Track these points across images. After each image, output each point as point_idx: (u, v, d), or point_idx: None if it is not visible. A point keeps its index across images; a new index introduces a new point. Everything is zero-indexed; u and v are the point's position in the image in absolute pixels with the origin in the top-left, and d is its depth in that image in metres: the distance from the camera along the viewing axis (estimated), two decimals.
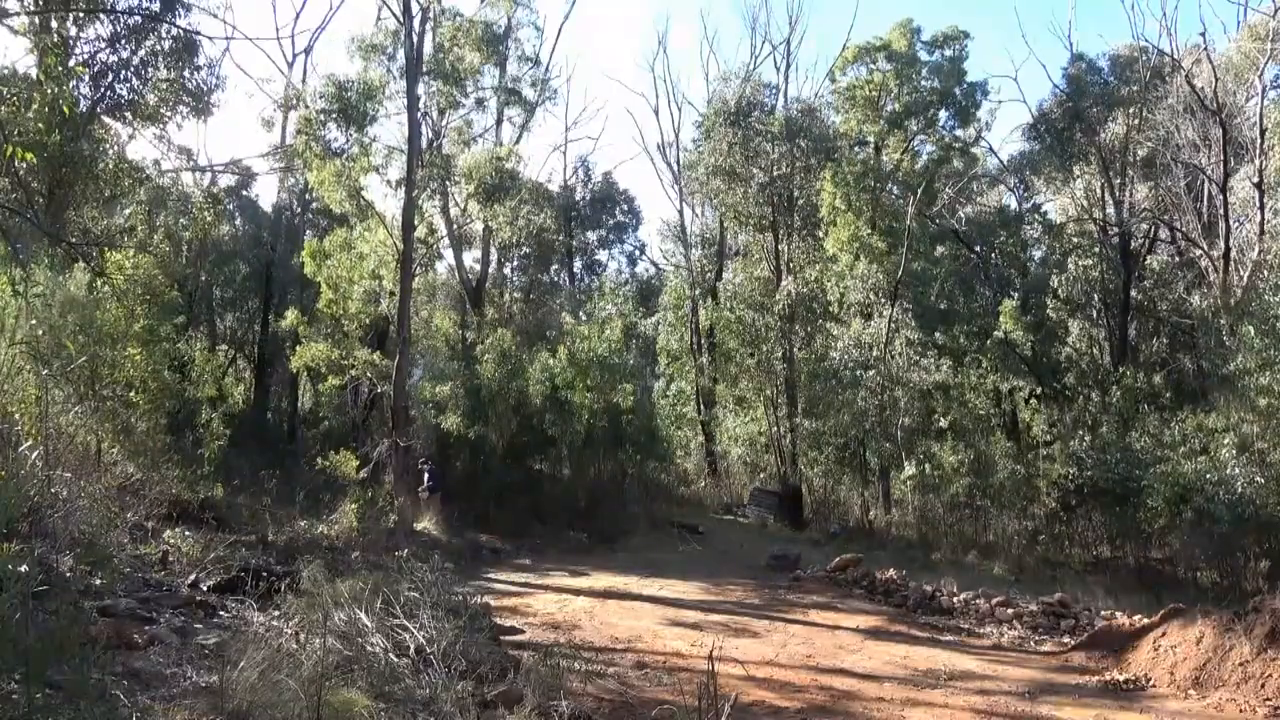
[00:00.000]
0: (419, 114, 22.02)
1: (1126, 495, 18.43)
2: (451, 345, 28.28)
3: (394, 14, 21.52)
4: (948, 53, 25.26)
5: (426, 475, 18.95)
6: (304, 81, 26.97)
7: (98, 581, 7.62)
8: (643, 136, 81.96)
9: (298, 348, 22.27)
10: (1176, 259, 26.04)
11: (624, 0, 57.70)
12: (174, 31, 18.13)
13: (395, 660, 6.61)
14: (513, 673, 7.28)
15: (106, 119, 18.71)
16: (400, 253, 20.88)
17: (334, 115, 20.89)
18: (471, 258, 31.41)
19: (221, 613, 8.44)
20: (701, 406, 29.40)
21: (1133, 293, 24.71)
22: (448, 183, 23.98)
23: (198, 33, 19.11)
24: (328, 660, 5.94)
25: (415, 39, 21.16)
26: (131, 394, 13.09)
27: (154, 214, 21.44)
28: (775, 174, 25.93)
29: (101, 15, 16.61)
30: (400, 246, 20.87)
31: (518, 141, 30.63)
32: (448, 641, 6.85)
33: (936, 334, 24.68)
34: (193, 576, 9.74)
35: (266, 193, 52.09)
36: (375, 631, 6.80)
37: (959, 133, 25.85)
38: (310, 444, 23.35)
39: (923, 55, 25.29)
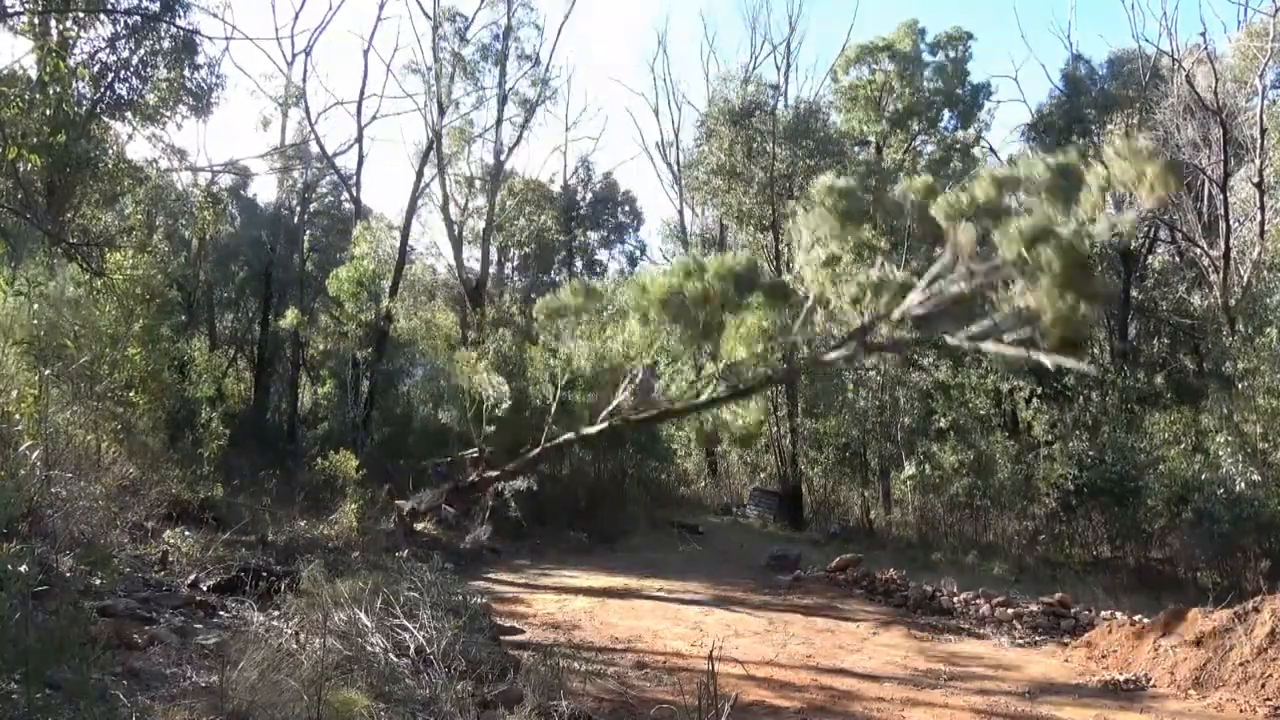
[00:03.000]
0: None
1: (1126, 495, 18.44)
2: (452, 345, 28.27)
3: None
4: (951, 54, 25.27)
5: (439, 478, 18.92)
6: (304, 81, 26.98)
7: (98, 581, 7.62)
8: (643, 136, 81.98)
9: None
10: (1176, 259, 26.03)
11: (624, 1, 57.73)
12: (173, 31, 18.12)
13: (395, 660, 6.61)
14: (513, 673, 7.28)
15: (106, 119, 18.71)
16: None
17: None
18: (471, 257, 31.53)
19: (221, 613, 8.44)
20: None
21: (1133, 292, 24.70)
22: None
23: (197, 32, 19.10)
24: (328, 660, 5.94)
25: None
26: (131, 394, 13.09)
27: (154, 214, 21.43)
28: (776, 174, 25.92)
29: (101, 15, 16.60)
30: None
31: (518, 142, 30.71)
32: (447, 641, 6.85)
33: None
34: (193, 576, 9.74)
35: (265, 192, 52.01)
36: (375, 631, 6.81)
37: (960, 133, 25.86)
38: (310, 444, 23.33)
39: (926, 56, 25.30)
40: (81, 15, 16.17)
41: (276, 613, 7.89)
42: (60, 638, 4.95)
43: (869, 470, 25.00)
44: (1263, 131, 20.26)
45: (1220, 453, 16.55)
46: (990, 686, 9.09)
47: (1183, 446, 18.11)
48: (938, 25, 28.39)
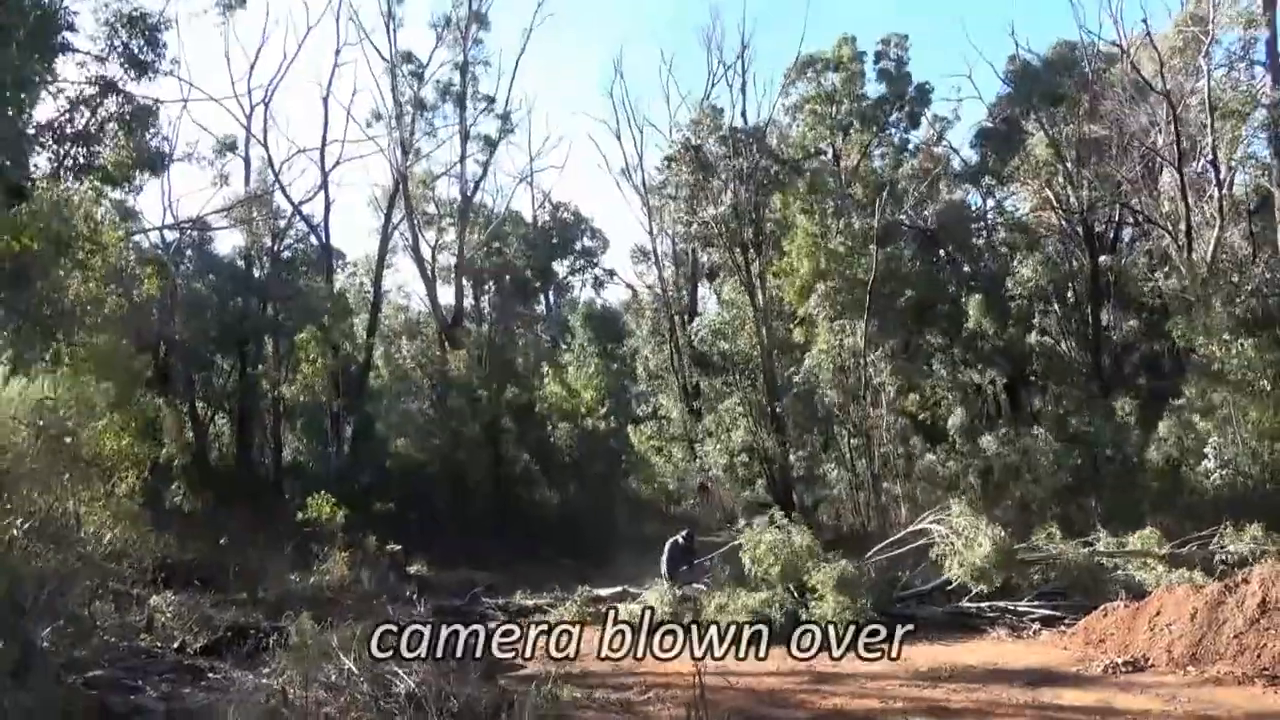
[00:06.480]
0: None
1: (1120, 483, 18.54)
2: (430, 378, 28.05)
3: None
4: (890, 58, 25.84)
5: None
6: (265, 133, 27.01)
7: (81, 654, 7.50)
8: (607, 162, 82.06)
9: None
10: (1141, 241, 26.27)
11: (580, 29, 58.23)
12: (127, 106, 18.22)
13: (386, 707, 6.52)
14: (505, 713, 7.15)
15: (66, 183, 18.62)
16: None
17: None
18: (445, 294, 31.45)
19: (209, 674, 8.32)
20: (686, 425, 29.38)
21: (1101, 278, 24.86)
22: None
23: (157, 101, 19.33)
24: (318, 715, 5.86)
25: None
26: (108, 459, 12.89)
27: (121, 278, 21.19)
28: (740, 194, 26.11)
29: (51, 86, 16.65)
30: None
31: (483, 177, 30.85)
32: (439, 684, 6.77)
33: (910, 334, 24.84)
34: (179, 640, 9.61)
35: (231, 243, 51.69)
36: (364, 680, 6.72)
37: (912, 134, 26.24)
38: (295, 495, 23.04)
39: (869, 64, 25.91)
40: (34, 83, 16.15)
41: (266, 670, 7.77)
42: (40, 716, 4.86)
43: (857, 475, 25.06)
44: (1211, 110, 20.55)
45: (1192, 434, 16.73)
46: (992, 678, 9.08)
47: (1169, 424, 18.23)
48: (893, 28, 29.05)
